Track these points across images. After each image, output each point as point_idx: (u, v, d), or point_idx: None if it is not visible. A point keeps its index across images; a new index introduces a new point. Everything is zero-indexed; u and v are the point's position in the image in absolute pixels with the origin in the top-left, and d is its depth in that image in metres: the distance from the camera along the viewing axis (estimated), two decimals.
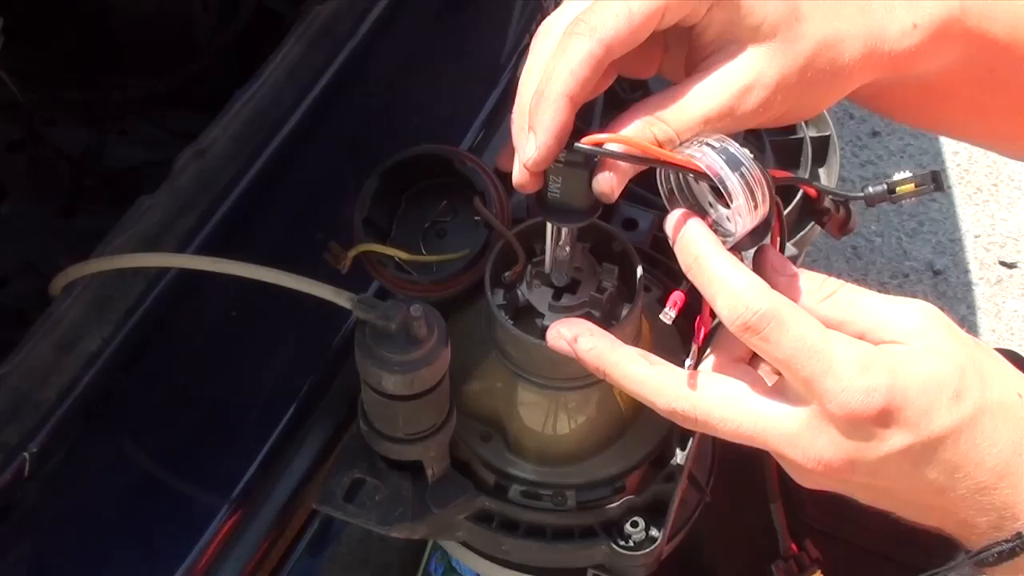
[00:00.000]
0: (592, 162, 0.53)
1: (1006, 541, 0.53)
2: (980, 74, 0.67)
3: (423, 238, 0.64)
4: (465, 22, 0.87)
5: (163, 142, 0.99)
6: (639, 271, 0.60)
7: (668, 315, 0.54)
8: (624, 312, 0.60)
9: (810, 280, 0.55)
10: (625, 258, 0.61)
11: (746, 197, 0.52)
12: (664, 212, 0.65)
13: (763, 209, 0.53)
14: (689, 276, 0.54)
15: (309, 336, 0.69)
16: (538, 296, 0.59)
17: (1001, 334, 1.87)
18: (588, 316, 0.59)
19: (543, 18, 0.75)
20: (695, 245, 0.54)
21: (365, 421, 0.60)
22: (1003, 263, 1.95)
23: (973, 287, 1.92)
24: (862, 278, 1.92)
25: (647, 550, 0.63)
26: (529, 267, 0.59)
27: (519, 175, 0.55)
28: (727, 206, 0.53)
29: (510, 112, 0.57)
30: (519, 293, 0.59)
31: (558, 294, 0.59)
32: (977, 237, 1.99)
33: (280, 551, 0.66)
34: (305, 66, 0.77)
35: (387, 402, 0.57)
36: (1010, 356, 0.88)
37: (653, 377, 0.55)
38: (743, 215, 0.52)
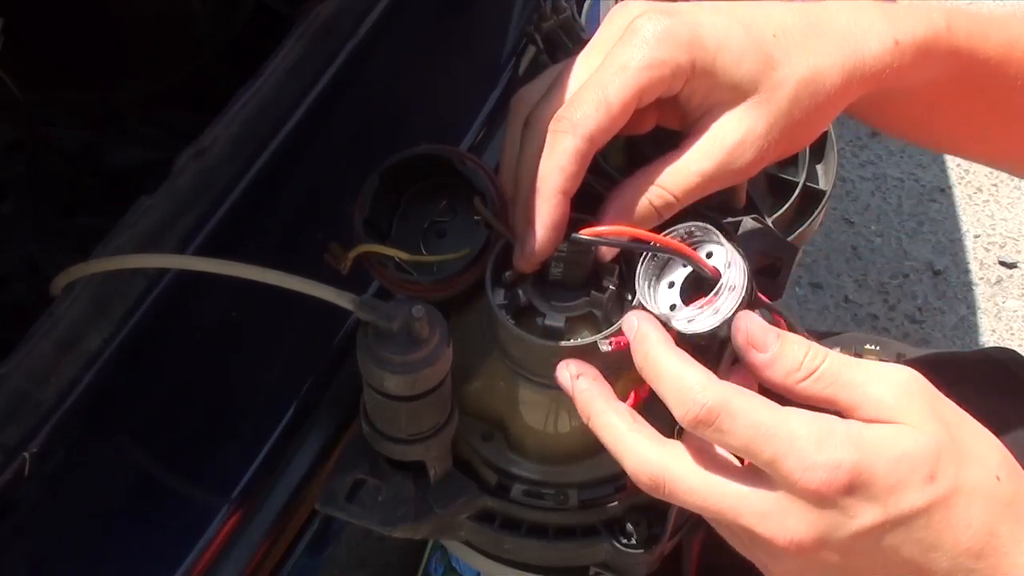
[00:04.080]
0: (591, 249, 0.57)
1: None
2: (971, 91, 0.67)
3: (423, 238, 0.64)
4: (465, 22, 0.87)
5: (163, 142, 0.99)
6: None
7: (604, 346, 0.57)
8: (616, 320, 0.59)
9: (792, 356, 0.54)
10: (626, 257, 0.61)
11: (733, 296, 0.55)
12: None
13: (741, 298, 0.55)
14: (642, 375, 0.55)
15: (309, 336, 0.69)
16: (539, 295, 0.59)
17: (1001, 334, 1.87)
18: (589, 315, 0.59)
19: (541, 19, 0.75)
20: (646, 343, 0.55)
21: (367, 421, 0.60)
22: (1003, 263, 1.95)
23: (973, 287, 1.92)
24: (862, 278, 1.92)
25: (649, 548, 0.63)
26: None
27: (522, 262, 0.59)
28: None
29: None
30: (520, 293, 0.59)
31: (558, 293, 0.59)
32: (977, 237, 1.99)
33: (280, 551, 0.66)
34: (305, 66, 0.77)
35: (389, 402, 0.57)
36: (1010, 356, 0.88)
37: (629, 436, 0.55)
38: (724, 306, 0.55)
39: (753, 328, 0.54)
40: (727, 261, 0.55)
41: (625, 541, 0.64)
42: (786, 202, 0.73)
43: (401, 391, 0.56)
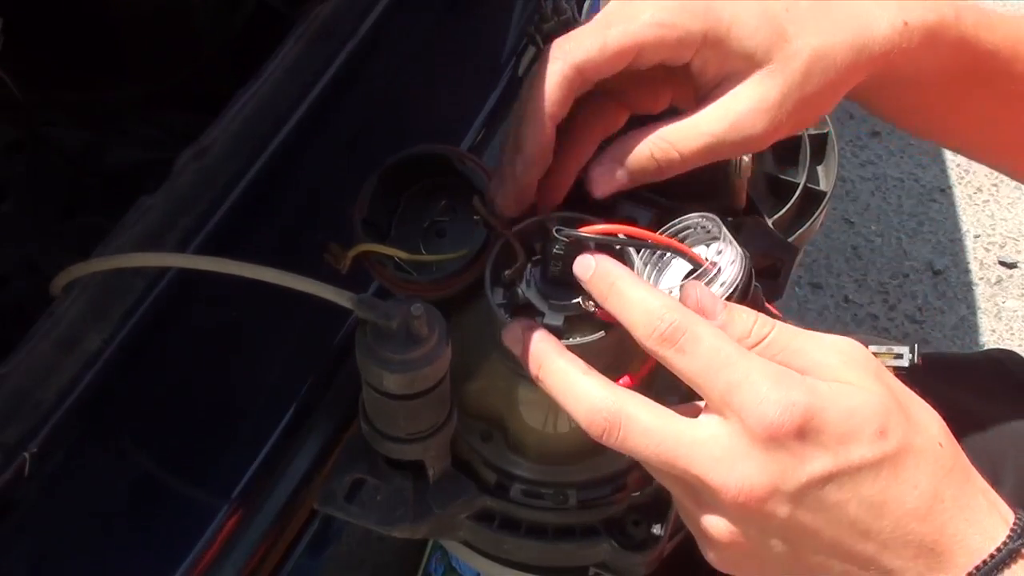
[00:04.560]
0: (588, 245, 0.57)
1: None
2: (978, 84, 0.67)
3: (422, 238, 0.64)
4: (465, 22, 0.87)
5: (163, 142, 0.99)
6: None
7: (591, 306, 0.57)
8: None
9: (742, 323, 0.54)
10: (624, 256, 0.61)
11: (724, 289, 0.56)
12: (664, 210, 0.66)
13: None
14: (606, 307, 0.55)
15: (309, 336, 0.69)
16: (537, 294, 0.59)
17: (1001, 334, 1.87)
18: (588, 313, 0.59)
19: (541, 19, 0.75)
20: (609, 275, 0.55)
21: (366, 421, 0.60)
22: (1003, 263, 1.95)
23: (973, 287, 1.92)
24: (862, 278, 1.92)
25: (649, 549, 0.63)
26: (529, 266, 0.59)
27: (504, 196, 0.59)
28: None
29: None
30: (519, 292, 0.59)
31: (557, 292, 0.59)
32: (977, 237, 1.99)
33: (280, 551, 0.66)
34: (305, 66, 0.77)
35: (388, 402, 0.57)
36: (1009, 356, 0.89)
37: (583, 381, 0.55)
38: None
39: (702, 296, 0.54)
40: (718, 251, 0.56)
41: (625, 541, 0.64)
42: (787, 203, 0.73)
43: (400, 390, 0.56)
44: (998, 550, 0.51)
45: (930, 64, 0.64)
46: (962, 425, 0.82)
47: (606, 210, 0.66)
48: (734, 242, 0.57)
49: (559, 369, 0.55)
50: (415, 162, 0.63)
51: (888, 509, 0.52)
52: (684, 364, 0.53)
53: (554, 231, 0.58)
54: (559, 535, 0.64)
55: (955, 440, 0.55)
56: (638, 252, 0.58)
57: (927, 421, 0.54)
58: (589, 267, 0.56)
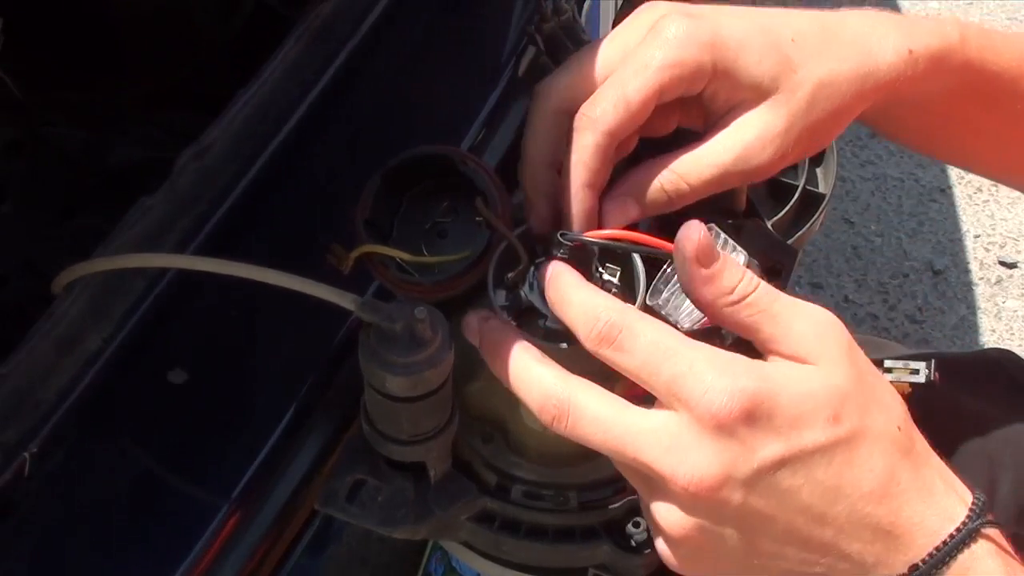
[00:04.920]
0: (592, 251, 0.58)
1: None
2: (984, 105, 0.68)
3: (425, 239, 0.64)
4: (465, 22, 0.87)
5: (163, 142, 0.99)
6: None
7: None
8: None
9: (730, 277, 0.54)
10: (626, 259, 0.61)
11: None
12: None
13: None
14: (556, 313, 0.56)
15: (309, 336, 0.69)
16: (540, 297, 0.59)
17: (1001, 334, 1.87)
18: None
19: (541, 19, 0.75)
20: (558, 279, 0.56)
21: (367, 422, 0.60)
22: (1003, 263, 1.95)
23: (973, 287, 1.93)
24: (862, 278, 1.92)
25: (649, 550, 0.63)
26: (531, 268, 0.59)
27: (540, 225, 0.61)
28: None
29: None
30: (521, 294, 0.59)
31: None
32: (977, 237, 1.99)
33: (280, 551, 0.66)
34: (305, 66, 0.77)
35: (390, 404, 0.57)
36: (1008, 357, 0.89)
37: (536, 369, 0.55)
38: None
39: (704, 241, 0.54)
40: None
41: (625, 543, 0.64)
42: (786, 205, 0.73)
43: (403, 392, 0.56)
44: (957, 530, 0.51)
45: (936, 89, 0.64)
46: (960, 425, 0.83)
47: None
48: (739, 248, 0.57)
49: (513, 357, 0.55)
50: (417, 163, 0.63)
51: (843, 493, 0.51)
52: (625, 362, 0.52)
53: (558, 235, 0.58)
54: (559, 536, 0.64)
55: (914, 425, 0.55)
56: (642, 258, 0.58)
57: (889, 403, 0.54)
58: (545, 274, 0.57)
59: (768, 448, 0.51)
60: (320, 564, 0.72)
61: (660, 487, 0.53)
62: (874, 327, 1.86)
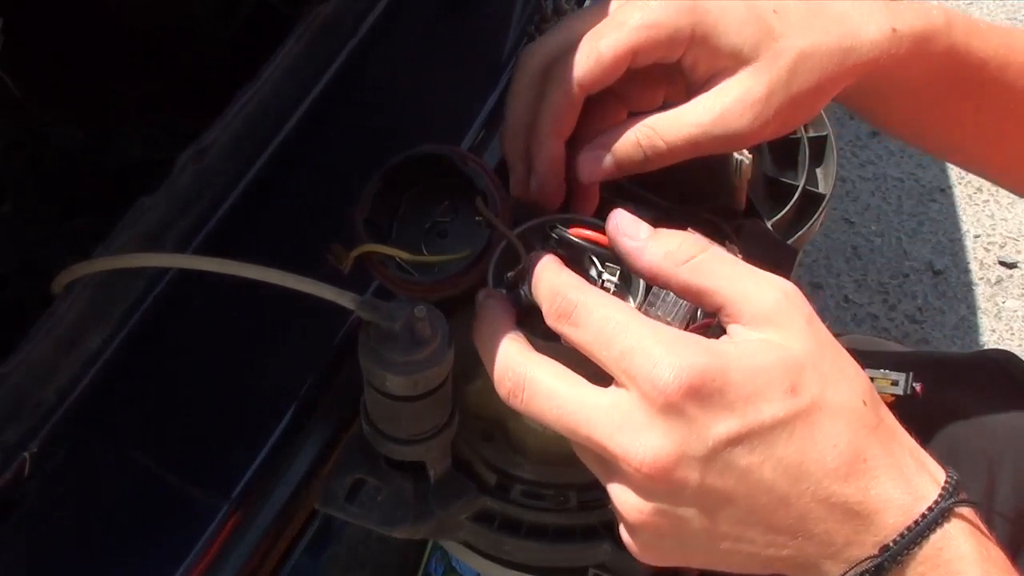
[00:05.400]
0: (581, 249, 0.59)
1: (869, 559, 0.49)
2: (969, 93, 0.68)
3: (424, 238, 0.64)
4: (465, 22, 0.87)
5: (163, 142, 0.99)
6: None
7: None
8: None
9: (668, 241, 0.53)
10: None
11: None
12: (664, 212, 0.66)
13: None
14: (533, 294, 0.56)
15: (309, 336, 0.69)
16: None
17: (1001, 334, 1.87)
18: None
19: (541, 19, 0.76)
20: (538, 265, 0.56)
21: (367, 422, 0.60)
22: (1003, 263, 1.95)
23: (973, 287, 1.92)
24: (862, 278, 1.92)
25: None
26: None
27: (518, 189, 0.64)
28: None
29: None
30: (521, 293, 0.59)
31: None
32: (977, 237, 1.99)
33: (280, 551, 0.66)
34: (305, 66, 0.77)
35: (390, 403, 0.57)
36: (1007, 358, 0.89)
37: (499, 340, 0.54)
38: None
39: (621, 218, 0.54)
40: None
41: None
42: (786, 205, 0.73)
43: (403, 391, 0.56)
44: (929, 509, 0.49)
45: (919, 71, 0.64)
46: (960, 425, 0.83)
47: (606, 210, 0.66)
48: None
49: (488, 328, 0.55)
50: (417, 163, 0.63)
51: (806, 470, 0.49)
52: (579, 337, 0.52)
53: (552, 233, 0.58)
54: (559, 536, 0.64)
55: (880, 400, 0.53)
56: None
57: (852, 377, 0.52)
58: (535, 265, 0.57)
59: (721, 424, 0.49)
60: (320, 564, 0.72)
61: (615, 468, 0.51)
62: (874, 327, 1.86)
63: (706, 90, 0.60)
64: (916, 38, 0.62)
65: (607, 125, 0.63)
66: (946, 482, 0.51)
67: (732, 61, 0.59)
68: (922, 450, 0.53)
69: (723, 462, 0.49)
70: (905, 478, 0.50)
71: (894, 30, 0.62)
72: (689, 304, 0.55)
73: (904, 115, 0.70)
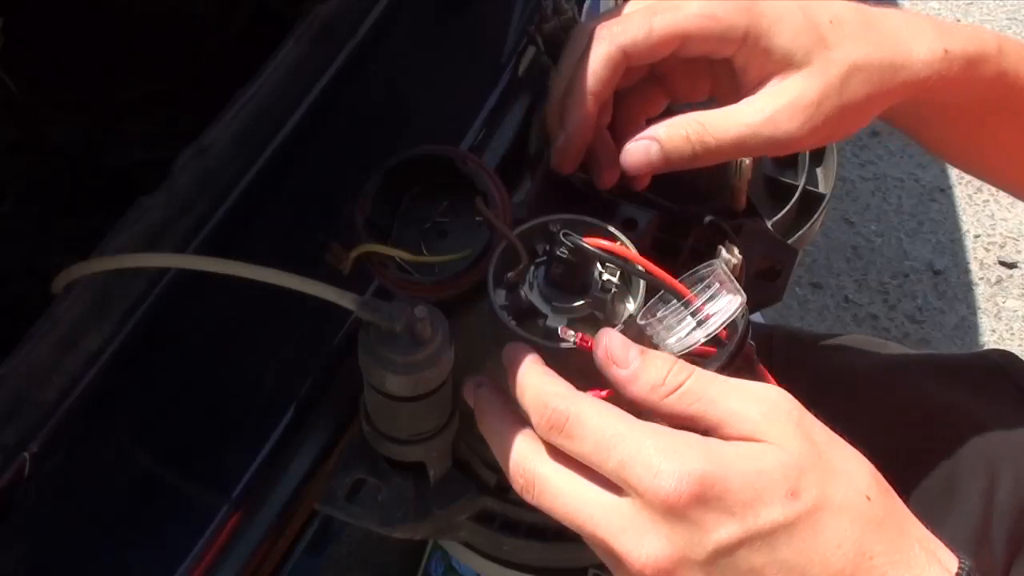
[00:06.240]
0: (593, 256, 0.58)
1: None
2: (1017, 119, 0.67)
3: (424, 238, 0.64)
4: (465, 22, 0.87)
5: (163, 142, 0.99)
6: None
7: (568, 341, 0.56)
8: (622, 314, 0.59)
9: (655, 371, 0.52)
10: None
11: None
12: (664, 212, 0.65)
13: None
14: (513, 394, 0.55)
15: (309, 336, 0.69)
16: (540, 296, 0.59)
17: (1001, 334, 1.87)
18: (590, 317, 0.59)
19: (541, 19, 0.75)
20: (516, 361, 0.55)
21: (367, 422, 0.60)
22: (1003, 263, 1.95)
23: (973, 287, 1.92)
24: (862, 278, 1.92)
25: None
26: (531, 268, 0.59)
27: (555, 158, 0.64)
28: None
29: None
30: (521, 293, 0.59)
31: (560, 295, 0.59)
32: (977, 237, 1.99)
33: (280, 551, 0.66)
34: (305, 66, 0.77)
35: (390, 403, 0.57)
36: (1008, 359, 0.89)
37: (508, 438, 0.54)
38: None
39: (612, 342, 0.53)
40: (710, 297, 0.55)
41: None
42: (786, 205, 0.73)
43: (403, 392, 0.56)
44: None
45: (968, 94, 0.64)
46: (960, 425, 0.83)
47: (606, 210, 0.66)
48: (733, 294, 0.56)
49: (497, 424, 0.55)
50: (417, 162, 0.63)
51: (810, 572, 0.48)
52: (575, 448, 0.51)
53: (560, 235, 0.57)
54: (559, 536, 0.64)
55: (890, 488, 0.52)
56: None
57: (853, 473, 0.51)
58: (506, 355, 0.56)
59: (723, 529, 0.48)
60: (320, 564, 0.72)
61: (621, 567, 0.52)
62: (874, 327, 1.86)
63: (756, 92, 0.60)
64: (967, 61, 0.62)
65: (648, 109, 0.63)
66: (959, 571, 0.50)
67: (784, 65, 0.59)
68: (934, 538, 0.52)
69: (725, 565, 0.49)
70: (915, 572, 0.49)
71: (946, 51, 0.61)
72: (690, 318, 0.55)
73: (950, 137, 0.70)
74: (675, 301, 0.55)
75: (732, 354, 0.56)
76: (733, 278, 0.56)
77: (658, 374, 0.52)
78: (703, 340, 0.55)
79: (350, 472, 0.63)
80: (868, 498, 0.50)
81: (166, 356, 0.67)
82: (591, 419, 0.51)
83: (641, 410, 0.53)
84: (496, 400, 0.56)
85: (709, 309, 0.55)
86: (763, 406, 0.51)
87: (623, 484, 0.50)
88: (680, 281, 0.56)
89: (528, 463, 0.53)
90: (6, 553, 0.60)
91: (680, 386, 0.52)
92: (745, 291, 0.56)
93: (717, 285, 0.55)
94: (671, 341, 0.55)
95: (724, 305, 0.55)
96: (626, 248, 0.59)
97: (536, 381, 0.54)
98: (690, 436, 0.50)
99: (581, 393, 0.53)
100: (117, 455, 0.63)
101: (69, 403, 0.62)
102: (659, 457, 0.49)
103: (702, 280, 0.56)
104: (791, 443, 0.50)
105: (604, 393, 0.55)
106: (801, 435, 0.51)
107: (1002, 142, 0.69)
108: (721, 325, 0.55)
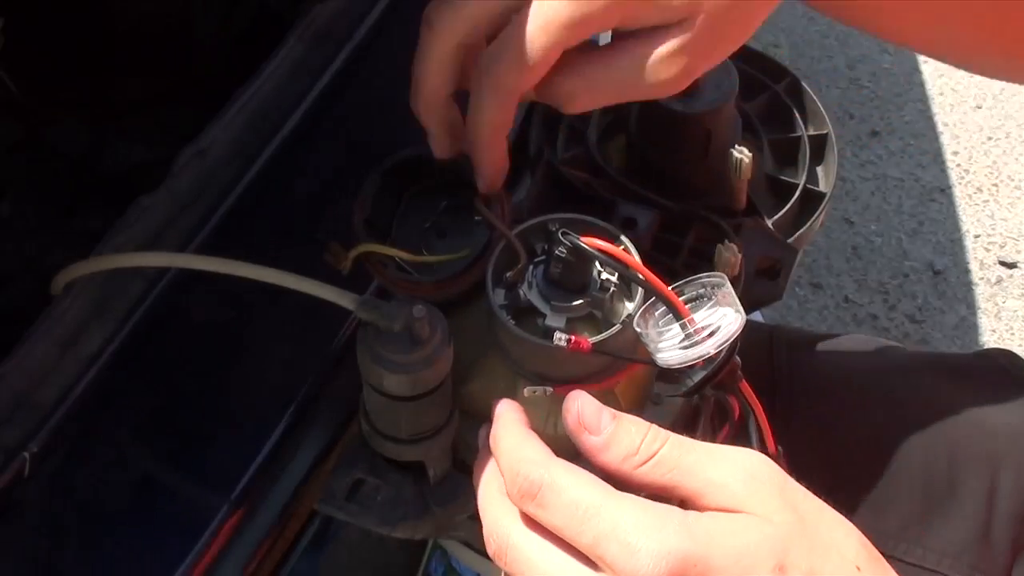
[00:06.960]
0: (591, 256, 0.57)
1: None
2: None
3: (424, 238, 0.64)
4: None
5: (163, 142, 0.99)
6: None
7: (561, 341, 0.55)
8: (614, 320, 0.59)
9: (628, 439, 0.50)
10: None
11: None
12: (664, 211, 0.65)
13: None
14: (493, 453, 0.53)
15: (309, 336, 0.69)
16: (539, 296, 0.59)
17: (1001, 334, 1.88)
18: (590, 316, 0.59)
19: None
20: (498, 422, 0.53)
21: (367, 421, 0.60)
22: (1003, 263, 1.95)
23: (973, 287, 1.93)
24: (862, 278, 1.92)
25: None
26: (530, 267, 0.59)
27: (440, 151, 0.61)
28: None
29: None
30: (520, 293, 0.59)
31: (559, 294, 0.59)
32: (977, 237, 1.99)
33: (280, 551, 0.66)
34: (305, 66, 0.77)
35: (389, 403, 0.57)
36: (1008, 358, 0.89)
37: (486, 493, 0.52)
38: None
39: (585, 408, 0.51)
40: (708, 320, 0.54)
41: None
42: (786, 204, 0.73)
43: (402, 391, 0.56)
44: None
45: None
46: (960, 425, 0.83)
47: (606, 209, 0.66)
48: (731, 308, 0.54)
49: (484, 485, 0.53)
50: (417, 162, 0.63)
51: None
52: (547, 519, 0.49)
53: (559, 234, 0.57)
54: None
55: (879, 556, 0.50)
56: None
57: (842, 543, 0.49)
58: (496, 413, 0.54)
59: None
60: (320, 564, 0.72)
61: None
62: (874, 327, 1.86)
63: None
64: None
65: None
66: None
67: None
68: None
69: None
70: None
71: None
72: (687, 329, 0.54)
73: (871, 7, 0.63)
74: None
75: (719, 367, 0.55)
76: (735, 295, 0.55)
77: (631, 442, 0.50)
78: (695, 359, 0.54)
79: (350, 472, 0.63)
80: (858, 568, 0.48)
81: (165, 356, 0.67)
82: (565, 489, 0.48)
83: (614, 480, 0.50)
84: (486, 454, 0.54)
85: (707, 326, 0.54)
86: (744, 474, 0.49)
87: (598, 561, 0.47)
88: (681, 284, 0.56)
89: (501, 528, 0.50)
90: (6, 553, 0.60)
91: (654, 456, 0.49)
92: (745, 289, 0.56)
93: (715, 300, 0.54)
94: (663, 345, 0.54)
95: (723, 322, 0.54)
96: (625, 253, 0.58)
97: (511, 444, 0.51)
98: (670, 510, 0.47)
99: (556, 459, 0.50)
100: (117, 455, 0.64)
101: (69, 403, 0.62)
102: (636, 534, 0.46)
103: (703, 288, 0.55)
104: (775, 515, 0.48)
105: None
106: (785, 505, 0.48)
107: (933, 6, 0.63)
108: (719, 345, 0.54)
